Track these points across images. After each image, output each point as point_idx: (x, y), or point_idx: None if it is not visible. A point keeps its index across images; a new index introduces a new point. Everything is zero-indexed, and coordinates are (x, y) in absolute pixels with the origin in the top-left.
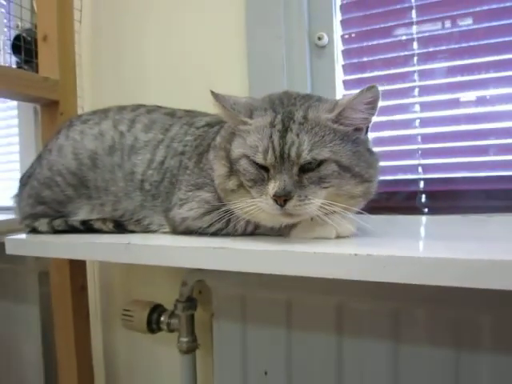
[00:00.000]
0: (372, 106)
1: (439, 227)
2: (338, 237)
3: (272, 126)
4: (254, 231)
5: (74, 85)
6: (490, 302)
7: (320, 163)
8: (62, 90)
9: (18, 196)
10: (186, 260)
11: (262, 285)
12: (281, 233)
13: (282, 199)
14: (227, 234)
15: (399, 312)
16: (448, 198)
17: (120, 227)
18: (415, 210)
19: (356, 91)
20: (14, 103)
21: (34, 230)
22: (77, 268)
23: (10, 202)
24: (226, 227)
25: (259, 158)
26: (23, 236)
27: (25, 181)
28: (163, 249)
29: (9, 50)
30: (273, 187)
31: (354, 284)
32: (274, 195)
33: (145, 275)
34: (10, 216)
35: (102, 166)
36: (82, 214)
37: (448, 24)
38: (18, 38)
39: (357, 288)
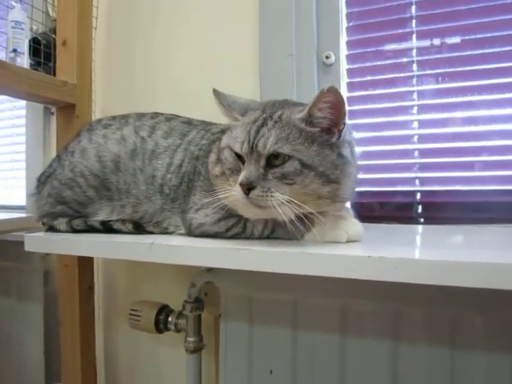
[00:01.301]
0: (331, 105)
1: (435, 235)
2: (348, 241)
3: (254, 123)
4: (270, 235)
5: (90, 89)
6: (484, 303)
7: (285, 161)
8: (79, 94)
9: (36, 195)
10: (209, 260)
11: (269, 286)
12: (295, 236)
13: (245, 188)
14: (245, 238)
15: (399, 313)
16: (442, 209)
17: (139, 228)
18: (412, 220)
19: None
20: (22, 103)
21: (51, 229)
22: (85, 268)
23: (15, 201)
24: (243, 231)
25: (237, 147)
26: (42, 234)
27: (43, 180)
28: (187, 249)
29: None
30: (241, 176)
31: (356, 287)
32: (239, 183)
33: (148, 277)
34: (15, 215)
35: (124, 169)
36: (102, 214)
37: (445, 49)
38: (33, 40)
39: (359, 291)
